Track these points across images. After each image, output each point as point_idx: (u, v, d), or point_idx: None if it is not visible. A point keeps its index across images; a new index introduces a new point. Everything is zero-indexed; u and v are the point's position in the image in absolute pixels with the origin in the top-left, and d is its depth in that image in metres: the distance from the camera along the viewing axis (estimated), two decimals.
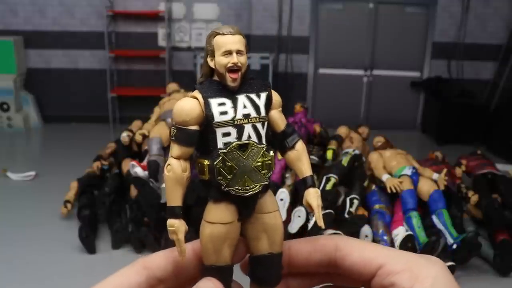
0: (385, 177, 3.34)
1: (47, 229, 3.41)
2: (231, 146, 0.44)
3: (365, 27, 6.39)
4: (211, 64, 0.46)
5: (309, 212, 0.46)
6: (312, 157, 3.52)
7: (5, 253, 3.08)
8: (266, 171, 0.45)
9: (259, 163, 0.45)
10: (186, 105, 0.45)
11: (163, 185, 3.14)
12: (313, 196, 0.47)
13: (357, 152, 3.54)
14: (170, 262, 0.46)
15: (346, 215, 3.13)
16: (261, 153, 0.45)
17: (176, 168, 0.45)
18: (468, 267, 3.08)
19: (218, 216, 0.45)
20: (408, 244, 2.94)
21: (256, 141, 0.45)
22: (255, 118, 0.45)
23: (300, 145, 0.48)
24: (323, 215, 2.94)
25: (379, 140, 3.75)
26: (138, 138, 3.69)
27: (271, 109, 0.47)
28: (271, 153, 0.46)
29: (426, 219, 3.16)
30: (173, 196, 0.45)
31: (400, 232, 3.03)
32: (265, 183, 0.46)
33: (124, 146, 3.80)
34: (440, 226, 3.06)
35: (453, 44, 6.40)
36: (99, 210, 3.40)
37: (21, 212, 3.66)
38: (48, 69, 6.31)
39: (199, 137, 0.45)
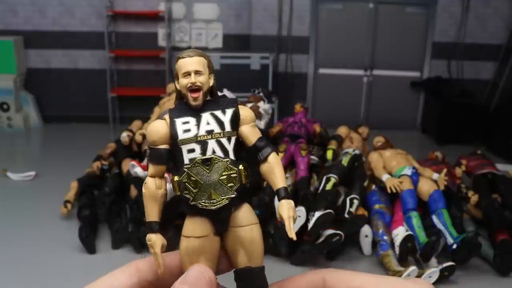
0: (385, 177, 3.34)
1: (47, 229, 3.41)
2: (194, 161, 0.46)
3: (365, 27, 6.39)
4: (177, 86, 0.49)
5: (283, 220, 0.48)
6: (312, 157, 3.52)
7: (5, 253, 3.08)
8: (232, 184, 0.47)
9: (224, 177, 0.46)
10: (155, 127, 0.48)
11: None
12: (284, 207, 0.47)
13: (357, 152, 3.54)
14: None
15: (346, 215, 3.13)
16: (225, 167, 0.47)
17: (150, 186, 0.48)
18: (468, 267, 3.08)
19: (192, 230, 0.47)
20: (408, 244, 2.94)
21: (222, 155, 0.47)
22: (219, 133, 0.47)
23: (273, 158, 0.49)
24: (323, 215, 2.95)
25: (379, 140, 3.75)
26: (138, 138, 3.69)
27: (240, 125, 0.49)
28: (240, 166, 0.47)
29: (426, 219, 3.17)
30: (149, 212, 0.48)
31: (400, 232, 3.03)
32: (231, 195, 0.47)
33: (124, 146, 3.80)
34: (440, 226, 3.06)
35: (453, 44, 6.40)
36: (99, 210, 3.40)
37: (21, 212, 3.66)
38: (48, 69, 6.31)
39: (170, 155, 0.48)
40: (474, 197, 3.36)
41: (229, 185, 0.47)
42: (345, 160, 3.40)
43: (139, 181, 3.28)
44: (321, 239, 2.99)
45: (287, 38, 6.25)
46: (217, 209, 0.46)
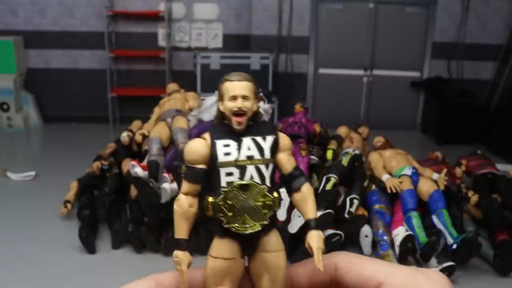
0: (385, 177, 3.34)
1: (47, 229, 3.41)
2: (232, 185, 0.47)
3: (365, 27, 6.39)
4: (221, 107, 0.50)
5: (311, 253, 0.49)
6: (312, 157, 3.52)
7: (5, 253, 3.08)
8: (266, 211, 0.47)
9: (260, 203, 0.47)
10: (195, 145, 0.48)
11: (163, 185, 3.14)
12: (315, 238, 0.49)
13: (357, 152, 3.54)
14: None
15: (346, 215, 3.13)
16: (262, 194, 0.47)
17: (183, 203, 0.48)
18: (468, 267, 3.08)
19: (221, 252, 0.47)
20: (408, 244, 2.94)
21: (259, 181, 0.47)
22: (259, 160, 0.48)
23: (306, 188, 0.50)
24: (323, 215, 2.95)
25: (379, 140, 3.75)
26: (138, 138, 3.69)
27: (278, 152, 0.50)
28: (275, 194, 0.48)
29: (426, 219, 3.16)
30: (179, 229, 0.48)
31: (400, 232, 3.03)
32: (265, 222, 0.47)
33: (124, 146, 3.80)
34: (440, 226, 3.06)
35: (453, 44, 6.40)
36: (99, 210, 3.40)
37: (21, 212, 3.66)
38: (48, 69, 6.31)
39: (206, 175, 0.49)
40: (474, 197, 3.36)
41: (264, 211, 0.47)
42: (345, 160, 3.40)
43: (139, 181, 3.28)
44: None
45: (287, 38, 6.25)
46: (249, 234, 0.47)
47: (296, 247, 3.04)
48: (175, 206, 0.48)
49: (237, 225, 0.46)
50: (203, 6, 6.29)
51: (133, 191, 3.40)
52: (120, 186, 3.59)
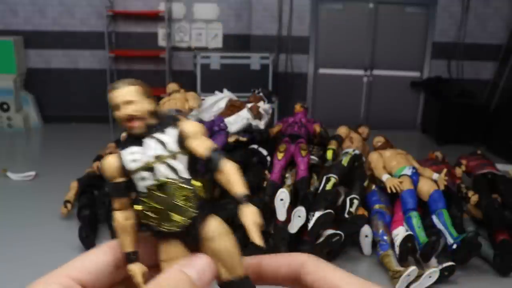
0: (385, 177, 3.34)
1: (47, 229, 3.41)
2: (149, 189, 0.47)
3: (365, 27, 6.39)
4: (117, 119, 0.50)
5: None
6: (312, 157, 3.52)
7: (5, 253, 3.08)
8: (190, 203, 0.46)
9: (181, 198, 0.46)
10: (107, 162, 0.49)
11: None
12: (245, 213, 0.46)
13: (357, 152, 3.54)
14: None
15: (346, 215, 3.13)
16: (179, 188, 0.46)
17: (118, 219, 0.49)
18: (468, 267, 3.08)
19: (167, 254, 0.47)
20: (408, 244, 2.94)
21: (174, 177, 0.47)
22: (166, 156, 0.47)
23: (226, 166, 0.48)
24: (323, 215, 2.95)
25: (379, 140, 3.75)
26: None
27: (186, 141, 0.48)
28: (195, 183, 0.47)
29: (426, 219, 3.16)
30: (123, 243, 0.48)
31: (400, 232, 3.03)
32: (193, 214, 0.46)
33: None
34: (440, 226, 3.06)
35: (453, 44, 6.40)
36: (99, 210, 3.40)
37: (21, 212, 3.66)
38: (48, 69, 6.31)
39: (129, 187, 0.48)
40: (474, 197, 3.36)
41: (188, 205, 0.46)
42: (345, 160, 3.40)
43: None
44: (321, 239, 2.99)
45: (287, 38, 6.25)
46: (181, 230, 0.46)
47: (296, 247, 3.04)
48: (112, 223, 0.49)
49: (166, 225, 0.46)
50: (203, 6, 6.29)
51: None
52: None
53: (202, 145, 0.48)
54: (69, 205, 3.52)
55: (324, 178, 3.24)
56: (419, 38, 6.48)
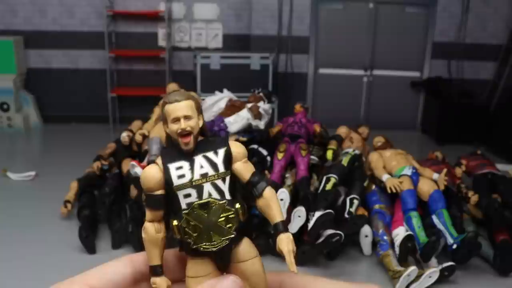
0: (385, 177, 3.34)
1: (47, 229, 3.41)
2: (192, 206, 0.47)
3: (365, 27, 6.39)
4: (167, 130, 0.50)
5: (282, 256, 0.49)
6: (312, 157, 3.52)
7: (5, 253, 3.08)
8: (231, 225, 0.47)
9: (223, 219, 0.47)
10: (149, 173, 0.48)
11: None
12: (284, 242, 0.48)
13: (357, 152, 3.54)
14: None
15: (346, 215, 3.13)
16: (222, 209, 0.47)
17: (150, 231, 0.48)
18: (468, 267, 3.08)
19: (196, 271, 0.48)
20: (408, 244, 2.94)
21: (218, 197, 0.47)
22: (213, 176, 0.47)
23: (268, 192, 0.49)
24: (323, 215, 2.95)
25: (379, 140, 3.75)
26: (138, 138, 3.69)
27: (233, 163, 0.49)
28: (237, 205, 0.48)
29: (426, 219, 3.16)
30: (151, 256, 0.48)
31: (400, 232, 3.03)
32: (231, 236, 0.47)
33: (124, 146, 3.80)
34: (440, 226, 3.06)
35: (453, 44, 6.39)
36: (99, 210, 3.40)
37: (21, 212, 3.66)
38: (48, 69, 6.31)
39: (166, 200, 0.48)
40: (474, 197, 3.36)
41: (228, 226, 0.47)
42: (345, 160, 3.40)
43: (139, 181, 3.27)
44: (321, 239, 2.99)
45: (287, 38, 6.25)
46: (218, 250, 0.47)
47: (296, 248, 3.04)
48: (143, 235, 0.49)
49: (204, 243, 0.47)
50: (203, 6, 6.29)
51: (133, 191, 3.40)
52: (120, 186, 3.59)
53: (247, 169, 0.49)
54: (69, 205, 3.52)
55: (324, 178, 3.24)
56: (419, 38, 6.48)
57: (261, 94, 4.30)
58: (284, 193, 3.10)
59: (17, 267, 2.91)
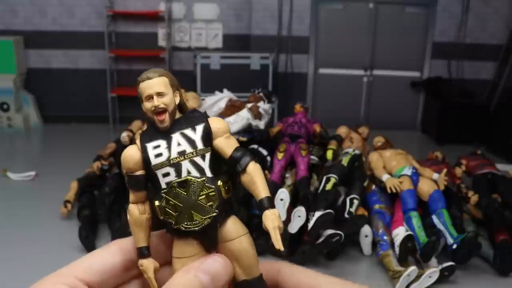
0: (385, 177, 3.34)
1: (47, 229, 3.41)
2: (171, 185, 0.46)
3: (365, 27, 6.39)
4: (143, 109, 0.48)
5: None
6: (312, 157, 3.52)
7: (5, 253, 3.08)
8: (211, 202, 0.46)
9: (203, 197, 0.46)
10: (128, 154, 0.47)
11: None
12: (268, 218, 0.46)
13: (357, 152, 3.54)
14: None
15: (346, 215, 3.13)
16: (202, 187, 0.46)
17: (134, 213, 0.48)
18: (468, 267, 3.08)
19: (182, 252, 0.46)
20: (408, 244, 2.94)
21: (198, 175, 0.46)
22: (191, 153, 0.46)
23: (252, 167, 0.47)
24: (323, 215, 2.95)
25: (379, 140, 3.75)
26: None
27: (213, 139, 0.47)
28: (219, 183, 0.46)
29: (426, 219, 3.16)
30: (137, 238, 0.47)
31: (400, 232, 3.03)
32: (213, 214, 0.46)
33: (124, 146, 3.80)
34: (440, 226, 3.06)
35: (453, 44, 6.40)
36: (99, 210, 3.40)
37: (21, 212, 3.66)
38: (48, 69, 6.31)
39: (148, 180, 0.47)
40: (474, 197, 3.36)
41: (209, 204, 0.46)
42: (345, 160, 3.40)
43: None
44: (321, 239, 2.99)
45: (287, 38, 6.25)
46: (200, 229, 0.46)
47: (296, 247, 3.04)
48: (128, 217, 0.48)
49: (185, 223, 0.45)
50: (203, 6, 6.29)
51: None
52: (120, 186, 3.59)
53: (229, 145, 0.47)
54: (69, 205, 3.52)
55: (324, 178, 3.24)
56: (419, 38, 6.48)
57: (261, 94, 4.30)
58: (284, 193, 3.10)
59: (17, 267, 2.91)
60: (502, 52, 6.25)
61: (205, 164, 0.46)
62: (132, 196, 0.48)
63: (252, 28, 6.24)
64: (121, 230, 3.20)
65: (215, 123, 0.48)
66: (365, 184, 3.41)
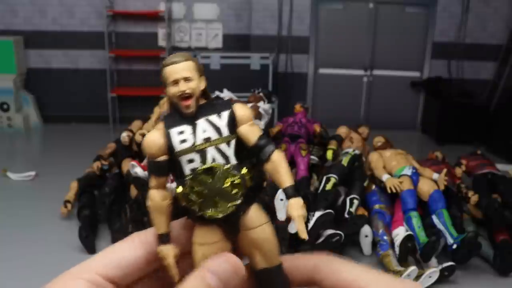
0: (385, 177, 3.34)
1: (47, 229, 3.41)
2: (196, 172, 0.45)
3: (365, 27, 6.39)
4: (168, 95, 0.47)
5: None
6: (312, 157, 3.52)
7: (5, 252, 3.08)
8: (236, 190, 0.45)
9: (228, 184, 0.45)
10: (151, 139, 0.46)
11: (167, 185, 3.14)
12: (293, 206, 0.46)
13: (357, 152, 3.54)
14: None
15: (346, 215, 3.13)
16: (227, 174, 0.45)
17: (155, 199, 0.47)
18: (468, 267, 3.08)
19: (204, 237, 0.46)
20: (408, 244, 2.94)
21: (223, 162, 0.45)
22: (217, 140, 0.46)
23: (276, 156, 0.47)
24: (323, 215, 2.95)
25: (379, 140, 3.75)
26: (138, 138, 3.69)
27: (238, 126, 0.47)
28: (243, 171, 0.46)
29: (426, 219, 3.17)
30: (158, 224, 0.47)
31: (400, 232, 3.03)
32: (237, 202, 0.45)
33: (124, 146, 3.80)
34: (440, 226, 3.06)
35: (453, 44, 6.40)
36: (99, 210, 3.40)
37: (21, 212, 3.66)
38: (48, 69, 6.31)
39: (170, 166, 0.46)
40: (474, 197, 3.36)
41: (234, 191, 0.45)
42: (345, 160, 3.40)
43: (139, 181, 3.28)
44: (321, 239, 2.99)
45: (287, 38, 6.25)
46: (224, 217, 0.45)
47: (296, 247, 3.04)
48: (149, 203, 0.47)
49: (209, 210, 0.45)
50: (203, 6, 6.29)
51: (133, 191, 3.40)
52: (120, 186, 3.59)
53: (253, 132, 0.47)
54: (69, 205, 3.52)
55: (324, 178, 3.24)
56: (419, 38, 6.48)
57: (261, 94, 4.30)
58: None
59: (17, 267, 2.91)
60: (502, 52, 6.25)
61: (230, 151, 0.46)
62: (153, 181, 0.47)
63: (252, 28, 6.24)
64: (121, 230, 3.20)
65: (240, 110, 0.47)
66: (365, 184, 3.41)
